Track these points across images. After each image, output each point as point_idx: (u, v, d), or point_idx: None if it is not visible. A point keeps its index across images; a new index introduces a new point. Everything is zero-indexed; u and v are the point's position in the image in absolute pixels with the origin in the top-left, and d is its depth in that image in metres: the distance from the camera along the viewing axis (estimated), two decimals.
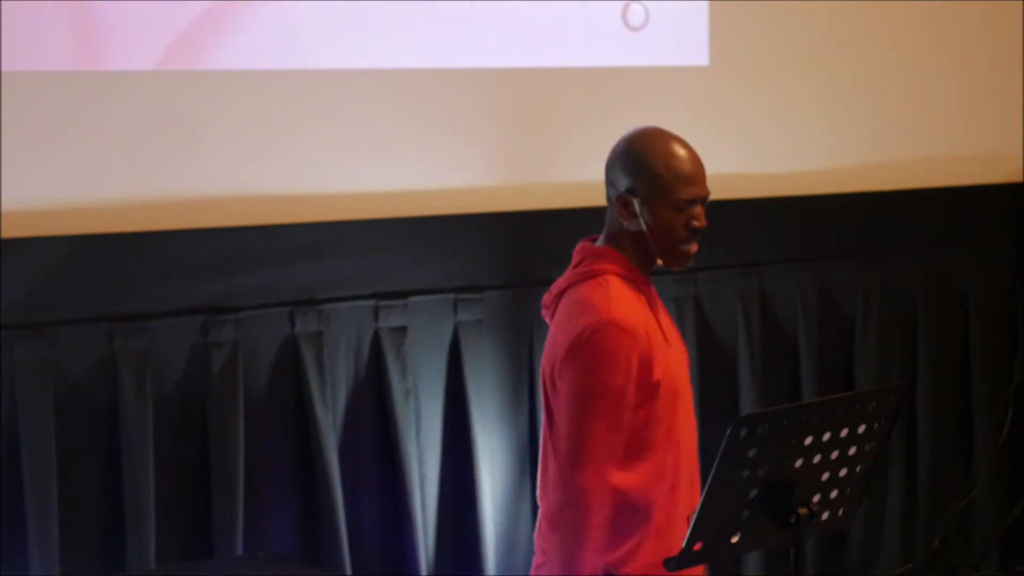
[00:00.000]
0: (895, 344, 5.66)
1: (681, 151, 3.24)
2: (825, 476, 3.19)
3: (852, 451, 3.21)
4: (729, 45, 5.32)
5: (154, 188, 4.43)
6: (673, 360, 3.27)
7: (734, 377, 5.30)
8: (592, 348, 3.14)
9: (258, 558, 4.35)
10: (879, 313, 5.62)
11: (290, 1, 4.55)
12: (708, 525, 3.08)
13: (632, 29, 5.11)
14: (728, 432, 3.01)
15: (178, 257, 4.44)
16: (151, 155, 4.42)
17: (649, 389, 3.19)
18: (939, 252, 5.76)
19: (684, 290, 5.21)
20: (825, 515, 3.24)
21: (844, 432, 3.18)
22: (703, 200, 3.25)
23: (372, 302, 4.68)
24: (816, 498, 3.19)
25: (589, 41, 5.05)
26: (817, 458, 3.15)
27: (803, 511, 3.14)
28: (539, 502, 3.30)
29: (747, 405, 5.25)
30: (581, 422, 3.14)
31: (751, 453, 3.04)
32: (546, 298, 3.34)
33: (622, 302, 3.18)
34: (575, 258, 3.31)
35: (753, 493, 3.10)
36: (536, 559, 3.30)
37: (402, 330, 4.69)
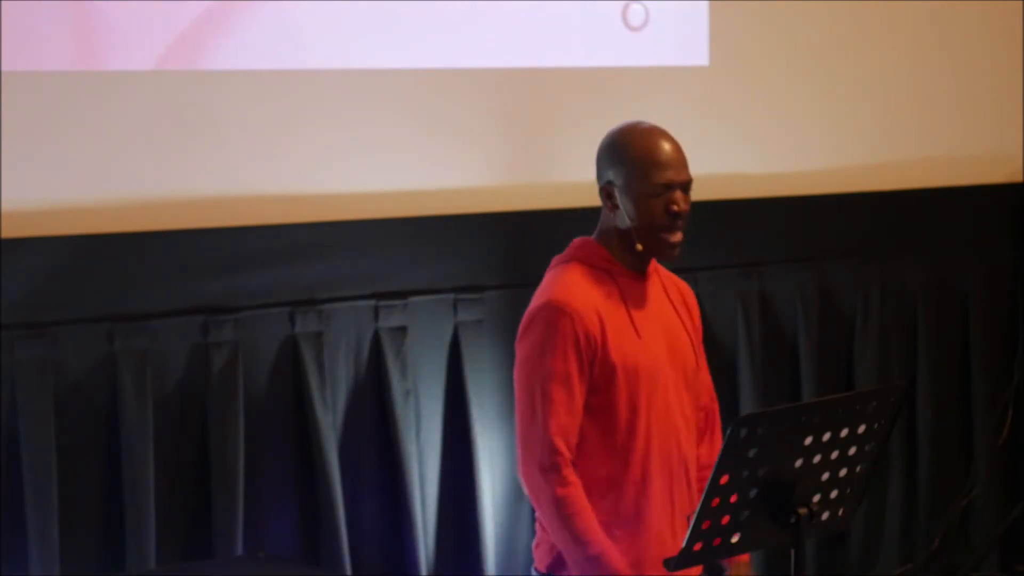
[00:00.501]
0: (895, 344, 5.66)
1: (658, 139, 3.30)
2: (825, 476, 3.19)
3: (852, 451, 3.21)
4: (729, 45, 5.32)
5: (154, 188, 4.43)
6: (646, 350, 3.27)
7: (734, 377, 5.30)
8: (535, 329, 3.22)
9: (258, 558, 4.35)
10: (879, 313, 5.62)
11: (290, 1, 4.55)
12: (708, 525, 3.08)
13: (632, 29, 5.11)
14: (728, 432, 3.01)
15: (178, 257, 4.44)
16: (151, 155, 4.42)
17: (606, 372, 3.22)
18: (939, 252, 5.76)
19: None
20: (825, 515, 3.24)
21: (844, 432, 3.18)
22: (682, 186, 3.29)
23: (372, 302, 4.68)
24: (816, 498, 3.19)
25: (589, 41, 5.05)
26: (817, 458, 3.15)
27: (803, 511, 3.14)
28: None
29: (747, 405, 5.25)
30: (527, 402, 3.23)
31: (751, 453, 3.04)
32: None
33: (572, 287, 3.24)
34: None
35: (753, 493, 3.10)
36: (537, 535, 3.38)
37: (402, 330, 4.69)
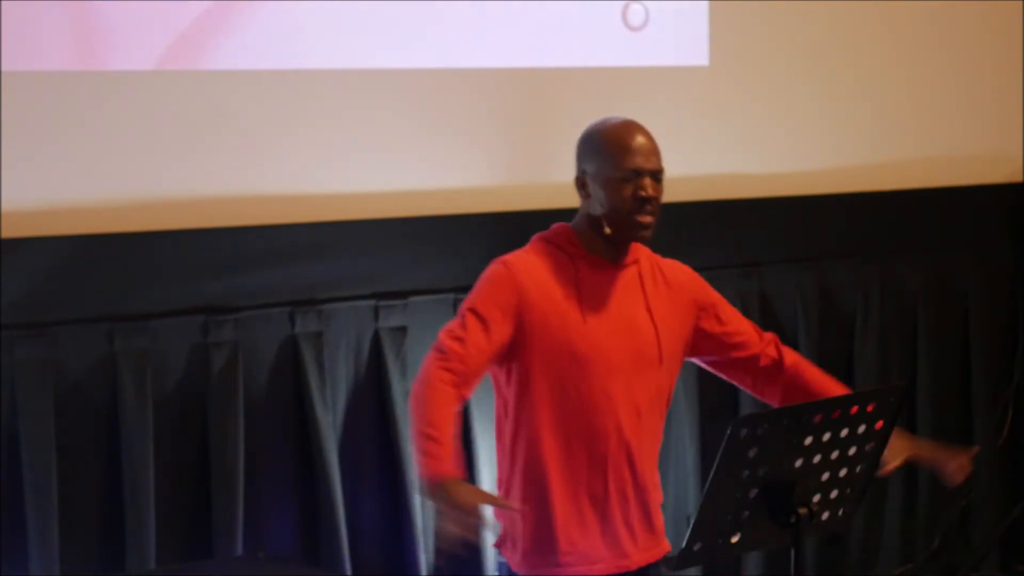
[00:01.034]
0: (895, 344, 5.66)
1: (629, 129, 3.38)
2: (825, 476, 3.19)
3: (852, 451, 3.21)
4: (729, 45, 5.32)
5: (154, 188, 4.43)
6: (586, 335, 3.31)
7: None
8: (481, 277, 3.37)
9: (258, 558, 4.35)
10: (879, 313, 5.62)
11: (290, 1, 4.55)
12: (708, 525, 3.08)
13: (632, 29, 5.11)
14: (728, 432, 3.01)
15: (178, 257, 4.44)
16: (151, 155, 4.42)
17: (530, 335, 3.28)
18: (939, 252, 5.76)
19: None
20: (825, 515, 3.24)
21: (844, 432, 3.18)
22: (652, 173, 3.34)
23: (372, 302, 4.68)
24: (816, 498, 3.19)
25: (589, 41, 5.05)
26: (817, 458, 3.15)
27: (803, 511, 3.14)
28: None
29: (747, 405, 5.24)
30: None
31: (751, 453, 3.04)
32: None
33: (524, 257, 3.37)
34: None
35: (753, 493, 3.10)
36: None
37: (402, 330, 4.70)
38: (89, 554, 4.31)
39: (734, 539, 3.13)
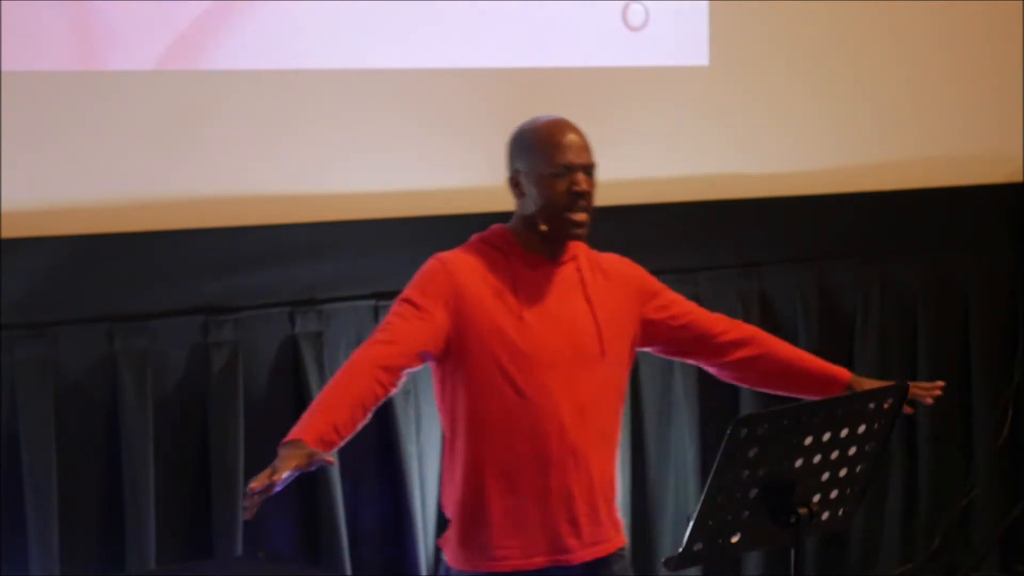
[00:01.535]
0: (895, 344, 5.66)
1: (560, 126, 3.39)
2: (825, 476, 3.19)
3: (852, 451, 3.21)
4: (729, 45, 5.32)
5: (154, 188, 4.43)
6: (523, 332, 3.31)
7: None
8: (417, 272, 3.40)
9: (258, 558, 4.35)
10: (879, 313, 5.62)
11: (290, 1, 4.55)
12: (708, 525, 3.08)
13: (632, 29, 5.12)
14: (728, 432, 3.01)
15: (178, 257, 4.44)
16: (151, 155, 4.42)
17: (466, 329, 3.30)
18: (939, 252, 5.76)
19: (684, 290, 5.17)
20: (825, 515, 3.24)
21: (844, 432, 3.18)
22: (584, 168, 3.36)
23: (372, 302, 4.68)
24: (816, 498, 3.19)
25: (589, 41, 5.05)
26: (817, 458, 3.15)
27: (803, 511, 3.14)
28: None
29: (747, 405, 5.24)
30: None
31: (751, 453, 3.05)
32: None
33: (461, 254, 3.40)
34: None
35: (753, 493, 3.10)
36: None
37: None
38: (89, 554, 4.31)
39: (734, 539, 3.13)
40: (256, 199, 4.57)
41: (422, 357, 3.29)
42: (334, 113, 4.67)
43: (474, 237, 3.46)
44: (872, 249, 5.63)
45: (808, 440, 3.12)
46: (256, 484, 2.95)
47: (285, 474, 2.99)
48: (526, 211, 3.39)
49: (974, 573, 5.80)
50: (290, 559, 4.49)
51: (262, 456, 4.50)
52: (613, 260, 3.51)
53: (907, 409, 3.44)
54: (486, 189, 4.90)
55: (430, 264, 3.39)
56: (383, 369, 3.22)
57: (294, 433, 3.09)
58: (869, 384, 3.52)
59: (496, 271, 3.36)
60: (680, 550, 3.10)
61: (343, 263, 4.66)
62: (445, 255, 3.40)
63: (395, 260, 4.72)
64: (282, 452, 3.04)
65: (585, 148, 3.38)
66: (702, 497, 3.04)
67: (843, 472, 3.22)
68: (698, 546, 3.09)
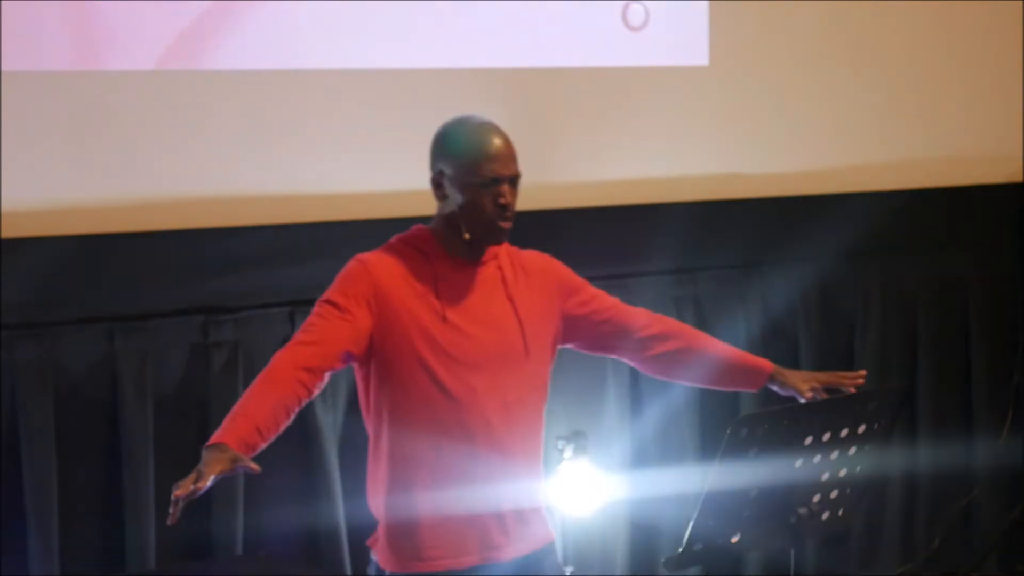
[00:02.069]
0: (895, 344, 5.65)
1: (488, 134, 3.38)
2: (825, 476, 3.19)
3: (852, 451, 3.21)
4: (729, 45, 5.32)
5: (154, 188, 4.43)
6: (446, 332, 3.31)
7: None
8: (338, 274, 3.40)
9: (258, 558, 4.35)
10: (879, 313, 5.62)
11: (290, 1, 4.55)
12: (708, 525, 3.08)
13: (632, 29, 5.11)
14: (728, 432, 3.01)
15: (178, 257, 4.44)
16: (151, 155, 4.42)
17: (389, 330, 3.29)
18: (939, 252, 5.76)
19: (684, 290, 5.21)
20: (825, 515, 3.24)
21: (844, 432, 3.18)
22: (510, 180, 3.35)
23: None
24: (816, 498, 3.19)
25: (589, 41, 5.05)
26: (817, 458, 3.15)
27: (803, 511, 3.14)
28: None
29: (747, 405, 5.24)
30: None
31: (751, 453, 3.05)
32: None
33: (382, 255, 3.39)
34: None
35: (753, 493, 3.10)
36: None
37: None
38: (89, 554, 4.31)
39: (734, 539, 3.13)
40: (256, 199, 4.57)
41: (345, 358, 3.28)
42: (334, 113, 4.67)
43: (395, 238, 3.44)
44: (872, 249, 5.63)
45: (808, 440, 3.12)
46: (180, 491, 2.95)
47: (210, 480, 2.98)
48: (449, 215, 3.37)
49: (974, 573, 5.80)
50: (290, 559, 4.49)
51: (262, 456, 4.51)
52: (534, 257, 3.51)
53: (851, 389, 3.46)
54: None
55: (351, 265, 3.39)
56: (305, 370, 3.22)
57: (217, 436, 3.09)
58: (792, 376, 3.51)
59: (418, 272, 3.36)
60: (680, 550, 3.10)
61: (343, 263, 4.64)
62: (366, 256, 3.39)
63: None
64: (205, 456, 3.04)
65: (512, 158, 3.37)
66: (702, 497, 3.04)
67: (843, 472, 3.22)
68: (698, 546, 3.09)
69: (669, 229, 5.16)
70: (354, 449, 4.64)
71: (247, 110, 4.55)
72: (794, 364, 5.44)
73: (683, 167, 5.27)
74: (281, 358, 3.24)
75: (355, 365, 3.34)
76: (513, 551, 3.37)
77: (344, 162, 4.69)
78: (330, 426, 4.56)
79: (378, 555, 3.42)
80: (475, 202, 3.32)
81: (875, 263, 5.64)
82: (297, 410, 3.21)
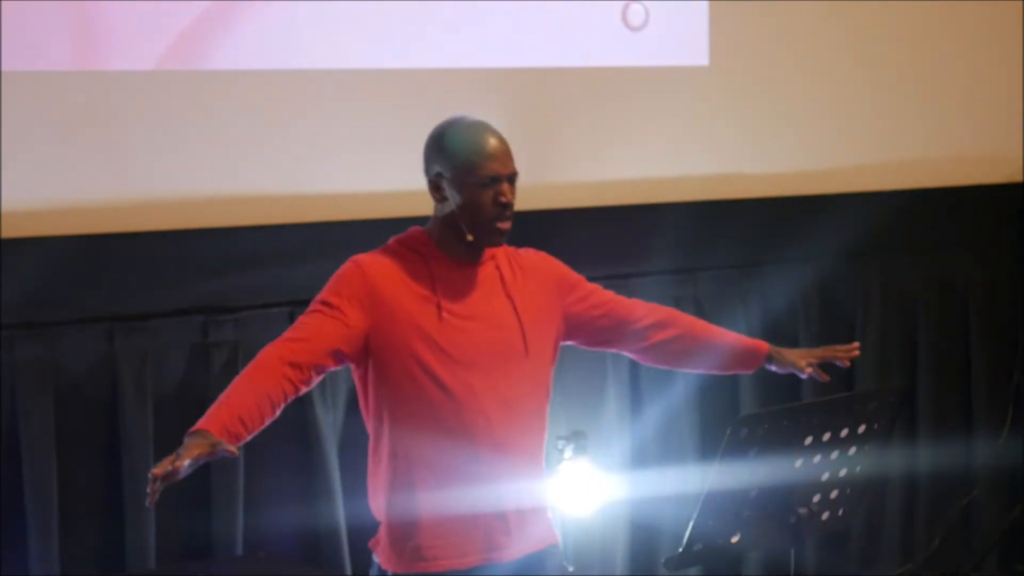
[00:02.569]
0: (895, 344, 5.66)
1: (484, 133, 3.39)
2: (825, 476, 3.20)
3: (852, 451, 3.21)
4: (729, 45, 5.32)
5: (154, 188, 4.43)
6: (445, 331, 3.31)
7: (734, 377, 5.29)
8: (333, 275, 3.40)
9: (258, 558, 4.35)
10: (879, 313, 5.62)
11: (290, 1, 4.55)
12: (708, 525, 3.08)
13: (632, 29, 5.12)
14: (728, 432, 3.02)
15: (178, 257, 4.44)
16: (151, 155, 4.42)
17: (385, 330, 3.29)
18: (939, 252, 5.77)
19: (684, 290, 5.21)
20: (825, 515, 3.24)
21: (844, 432, 3.18)
22: (508, 178, 3.35)
23: None
24: (816, 498, 3.19)
25: (589, 41, 5.05)
26: (817, 458, 3.15)
27: (803, 511, 3.14)
28: None
29: (747, 405, 5.25)
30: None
31: (751, 453, 3.05)
32: None
33: (378, 257, 3.39)
34: None
35: (753, 493, 3.10)
36: None
37: None
38: (89, 554, 4.31)
39: (734, 539, 3.13)
40: (256, 199, 4.57)
41: (336, 356, 3.28)
42: (334, 113, 4.67)
43: (392, 240, 3.44)
44: (872, 249, 5.63)
45: (808, 440, 3.12)
46: (158, 471, 2.96)
47: (187, 461, 2.98)
48: (448, 216, 3.36)
49: (974, 573, 5.80)
50: (290, 559, 4.49)
51: (262, 455, 4.52)
52: (531, 256, 3.51)
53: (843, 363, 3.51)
54: None
55: (346, 266, 3.39)
56: (291, 365, 3.21)
57: (200, 424, 3.09)
58: (788, 353, 3.56)
59: (415, 273, 3.36)
60: (680, 550, 3.11)
61: (343, 263, 4.65)
62: (361, 257, 3.39)
63: None
64: (187, 441, 3.04)
65: (509, 156, 3.37)
66: (702, 497, 3.04)
67: (843, 472, 3.22)
68: (698, 546, 3.09)
69: (669, 229, 5.16)
70: (354, 449, 4.64)
71: (247, 110, 4.55)
72: None
73: (683, 167, 5.27)
74: (267, 353, 3.23)
75: (352, 365, 3.34)
76: (515, 551, 3.37)
77: (344, 162, 4.69)
78: (330, 426, 4.56)
79: (380, 556, 3.41)
80: (475, 202, 3.32)
81: (875, 263, 5.64)
82: (283, 405, 3.20)
